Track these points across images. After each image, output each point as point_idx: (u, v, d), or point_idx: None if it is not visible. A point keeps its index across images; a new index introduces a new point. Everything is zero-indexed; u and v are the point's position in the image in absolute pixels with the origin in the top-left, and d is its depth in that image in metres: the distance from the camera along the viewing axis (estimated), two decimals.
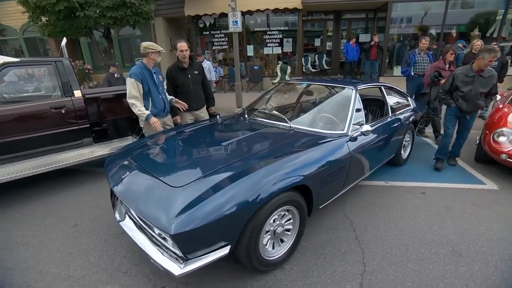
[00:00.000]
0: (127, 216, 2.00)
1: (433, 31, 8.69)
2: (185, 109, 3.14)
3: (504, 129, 3.18)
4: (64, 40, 3.86)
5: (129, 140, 3.82)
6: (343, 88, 2.78)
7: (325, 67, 10.10)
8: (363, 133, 2.39)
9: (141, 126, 3.01)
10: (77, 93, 3.23)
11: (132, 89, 2.71)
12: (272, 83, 8.93)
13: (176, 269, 1.43)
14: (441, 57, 4.30)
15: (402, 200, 2.81)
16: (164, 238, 1.60)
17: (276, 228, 1.82)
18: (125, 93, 3.71)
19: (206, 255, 1.49)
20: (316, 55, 10.00)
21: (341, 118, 2.49)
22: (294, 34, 8.94)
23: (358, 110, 2.53)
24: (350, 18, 9.75)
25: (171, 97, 3.13)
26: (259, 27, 9.15)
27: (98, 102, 3.54)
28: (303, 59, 9.36)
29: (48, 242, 2.32)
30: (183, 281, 1.85)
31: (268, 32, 9.06)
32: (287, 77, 8.79)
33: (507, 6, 8.12)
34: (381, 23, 9.23)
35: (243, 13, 8.03)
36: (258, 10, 8.29)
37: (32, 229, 2.51)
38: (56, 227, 2.52)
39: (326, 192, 2.14)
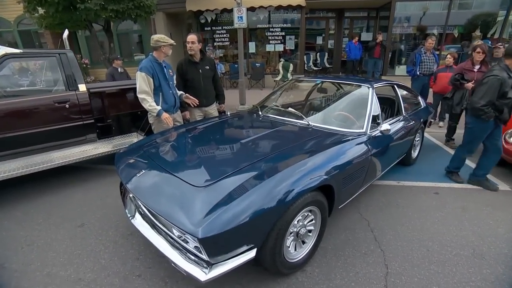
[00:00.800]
0: (137, 213, 1.92)
1: (435, 31, 8.69)
2: (195, 105, 3.04)
3: None
4: (66, 32, 3.72)
5: (133, 137, 3.71)
6: (360, 86, 2.72)
7: (327, 65, 10.06)
8: (382, 132, 2.34)
9: (151, 122, 2.90)
10: (82, 87, 3.11)
11: (143, 83, 2.61)
12: (274, 80, 8.86)
13: (201, 274, 1.36)
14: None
15: (416, 200, 2.77)
16: (184, 240, 1.52)
17: (299, 230, 1.76)
18: (131, 88, 3.66)
19: (232, 259, 1.41)
20: (318, 53, 9.95)
21: (358, 117, 2.43)
22: (297, 31, 8.86)
23: (375, 109, 2.48)
24: (352, 17, 9.72)
25: (181, 92, 3.04)
26: (261, 24, 9.05)
27: (103, 97, 3.42)
28: (305, 57, 9.29)
29: (54, 243, 2.22)
30: (201, 284, 1.77)
31: (271, 29, 8.97)
32: (289, 75, 8.72)
33: (508, 7, 8.17)
34: (383, 22, 9.21)
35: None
36: (261, 7, 8.19)
37: (36, 229, 2.40)
38: (61, 227, 2.41)
39: (346, 192, 2.09)
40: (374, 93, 2.55)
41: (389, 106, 3.50)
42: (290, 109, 2.60)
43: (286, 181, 1.55)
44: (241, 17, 5.72)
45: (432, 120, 4.11)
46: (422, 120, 3.42)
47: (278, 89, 3.35)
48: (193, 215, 1.34)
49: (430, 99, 5.13)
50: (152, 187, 1.66)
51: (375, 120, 2.40)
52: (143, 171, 1.80)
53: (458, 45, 8.98)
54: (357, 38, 8.24)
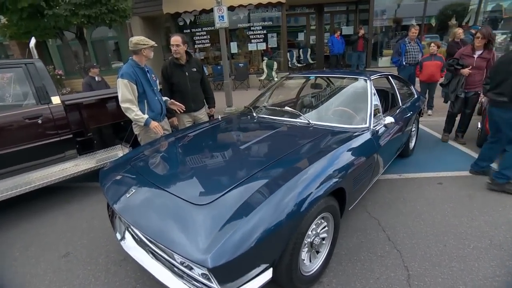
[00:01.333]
0: (129, 235, 1.70)
1: (413, 22, 8.83)
2: (181, 111, 2.82)
3: None
4: (33, 40, 3.39)
5: (118, 149, 3.43)
6: (356, 79, 2.61)
7: (310, 61, 10.03)
8: (386, 126, 2.23)
9: (136, 133, 2.65)
10: (55, 100, 2.81)
11: (126, 91, 2.36)
12: (259, 80, 8.71)
13: None
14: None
15: (422, 192, 2.69)
16: (188, 267, 1.32)
17: (313, 239, 1.60)
18: (111, 97, 3.38)
19: (246, 284, 1.23)
20: (301, 50, 9.90)
21: (359, 112, 2.31)
22: (278, 29, 8.76)
23: (375, 102, 2.37)
24: (332, 11, 9.73)
25: (166, 98, 2.81)
26: (241, 23, 8.87)
27: (81, 109, 3.13)
28: (288, 54, 9.20)
29: (34, 280, 1.94)
30: None
31: (252, 28, 8.81)
32: (273, 73, 8.60)
33: None
34: (362, 15, 9.28)
35: None
36: (240, 6, 8.02)
37: (12, 265, 2.11)
38: (42, 259, 2.13)
39: (356, 192, 1.96)
40: (372, 86, 2.45)
41: (385, 98, 3.43)
42: (286, 108, 2.45)
43: (297, 189, 1.39)
44: (222, 16, 5.53)
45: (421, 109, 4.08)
46: (417, 109, 3.37)
47: (269, 87, 3.19)
48: (198, 240, 1.15)
49: (417, 88, 5.15)
50: (144, 208, 1.45)
51: (375, 114, 2.28)
52: (133, 190, 1.59)
53: (436, 34, 9.23)
54: (339, 32, 8.24)
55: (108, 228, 2.42)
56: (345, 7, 9.63)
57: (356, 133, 2.05)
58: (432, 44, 5.20)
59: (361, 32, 7.86)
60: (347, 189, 1.72)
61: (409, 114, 2.95)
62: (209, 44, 9.30)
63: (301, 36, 10.06)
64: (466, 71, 3.35)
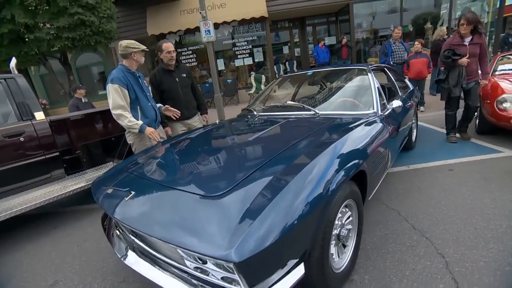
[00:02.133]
0: (130, 250, 1.47)
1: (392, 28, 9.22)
2: (177, 117, 2.67)
3: (505, 95, 3.17)
4: (14, 61, 3.24)
5: (110, 167, 3.21)
6: (356, 70, 2.56)
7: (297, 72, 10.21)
8: (394, 110, 2.15)
9: (130, 142, 2.46)
10: (39, 115, 2.62)
11: (117, 97, 2.20)
12: (249, 94, 8.72)
13: None
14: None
15: (435, 180, 2.58)
16: (204, 272, 1.12)
17: (340, 231, 1.43)
18: (100, 111, 3.21)
19: (278, 283, 1.03)
20: (287, 62, 10.09)
21: (364, 99, 2.23)
22: (263, 43, 8.93)
23: (378, 89, 2.30)
24: (313, 24, 10.08)
25: (159, 104, 2.66)
26: (226, 40, 9.01)
27: (68, 126, 2.93)
28: (275, 67, 9.33)
29: None
30: None
31: (237, 44, 8.94)
32: (262, 86, 8.64)
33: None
34: (343, 25, 9.65)
35: None
36: (224, 22, 8.17)
37: None
38: None
39: (375, 178, 1.82)
40: (373, 74, 2.39)
41: (385, 90, 3.40)
42: (289, 102, 2.34)
43: (321, 171, 1.24)
44: (209, 31, 5.56)
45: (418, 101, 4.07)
46: (415, 101, 3.35)
47: (265, 89, 3.11)
48: (217, 234, 0.97)
49: None
50: (148, 209, 1.26)
51: (382, 101, 2.21)
52: (132, 192, 1.39)
53: (415, 39, 9.65)
54: (323, 42, 8.46)
55: (103, 249, 2.17)
56: (325, 19, 10.01)
57: (366, 118, 1.95)
58: (416, 42, 5.37)
59: (344, 40, 8.10)
60: (368, 172, 1.59)
61: (410, 103, 2.91)
62: (196, 63, 9.35)
63: (286, 49, 10.29)
64: (465, 60, 3.09)
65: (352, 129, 1.69)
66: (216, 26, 8.30)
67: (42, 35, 4.89)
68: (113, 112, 2.22)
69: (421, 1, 9.48)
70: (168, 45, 2.68)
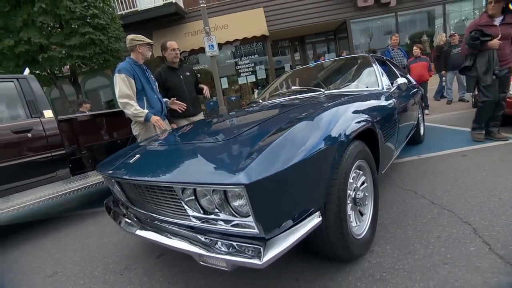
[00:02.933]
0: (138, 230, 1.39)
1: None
2: (183, 110, 2.68)
3: None
4: (27, 70, 3.38)
5: None
6: (358, 57, 2.60)
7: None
8: (400, 87, 2.14)
9: (136, 133, 2.46)
10: (48, 113, 2.65)
11: (123, 86, 2.24)
12: None
13: (255, 260, 0.87)
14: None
15: (449, 164, 2.48)
16: (211, 222, 1.04)
17: (355, 194, 1.35)
18: (107, 113, 3.25)
19: (292, 228, 0.95)
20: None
21: (370, 80, 2.22)
22: (265, 61, 9.23)
23: (381, 71, 2.31)
24: (313, 42, 10.46)
25: (165, 99, 2.69)
26: (229, 59, 9.35)
27: (75, 126, 2.96)
28: None
29: None
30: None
31: (239, 63, 9.26)
32: None
33: (444, 14, 9.31)
34: (342, 42, 10.00)
35: None
36: (227, 42, 8.52)
37: None
38: (24, 283, 1.74)
39: (386, 150, 1.76)
40: (375, 59, 2.42)
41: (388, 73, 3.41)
42: (294, 87, 2.34)
43: (334, 118, 1.21)
44: (212, 45, 5.79)
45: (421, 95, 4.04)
46: (419, 92, 3.34)
47: (269, 86, 3.14)
48: (228, 164, 0.92)
49: None
50: (153, 162, 1.23)
51: (385, 81, 2.21)
52: (138, 155, 1.35)
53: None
54: (323, 57, 8.71)
55: (107, 243, 2.09)
56: (324, 37, 10.40)
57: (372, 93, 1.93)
58: (415, 47, 5.50)
59: (344, 54, 8.33)
60: (378, 135, 1.53)
61: (413, 90, 2.90)
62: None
63: (287, 67, 10.59)
64: (496, 42, 2.63)
65: (360, 97, 1.67)
66: (219, 46, 8.68)
67: (55, 53, 5.14)
68: (120, 100, 2.25)
69: (415, 22, 9.86)
70: (172, 43, 2.77)
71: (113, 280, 1.59)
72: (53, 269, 1.85)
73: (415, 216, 1.68)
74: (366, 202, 1.47)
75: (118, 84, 2.24)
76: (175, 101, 2.64)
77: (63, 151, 2.74)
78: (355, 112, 1.39)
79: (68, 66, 5.72)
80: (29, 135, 2.50)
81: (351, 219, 1.31)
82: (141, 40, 2.37)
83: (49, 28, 5.36)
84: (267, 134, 1.04)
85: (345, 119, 1.27)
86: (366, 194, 1.45)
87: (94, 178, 2.91)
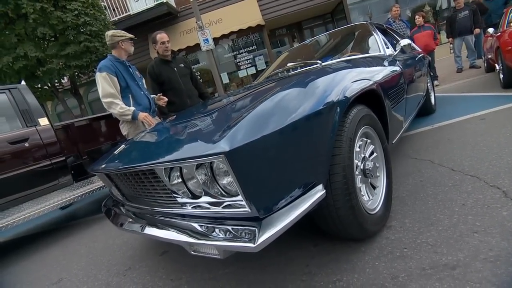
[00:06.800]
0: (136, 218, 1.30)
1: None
2: (165, 105, 2.55)
3: None
4: (23, 83, 3.35)
5: None
6: (356, 25, 2.42)
7: None
8: (403, 49, 1.96)
9: (125, 133, 2.36)
10: (43, 121, 2.61)
11: (106, 85, 2.13)
12: None
13: (248, 243, 0.75)
14: None
15: (466, 130, 2.29)
16: (217, 204, 0.92)
17: (364, 164, 1.21)
18: (105, 116, 3.19)
19: (291, 204, 0.83)
20: None
21: (370, 46, 2.05)
22: (264, 51, 9.03)
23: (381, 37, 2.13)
24: (310, 26, 10.16)
25: (153, 95, 2.59)
26: (227, 54, 9.20)
27: (73, 131, 2.91)
28: None
29: None
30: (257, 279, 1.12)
31: (238, 56, 9.10)
32: None
33: None
34: (340, 23, 9.66)
35: None
36: (223, 36, 8.37)
37: None
38: None
39: (394, 118, 1.60)
40: (374, 26, 2.24)
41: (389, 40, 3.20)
42: (289, 64, 2.19)
43: (332, 83, 1.08)
44: (207, 39, 5.67)
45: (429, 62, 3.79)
46: (425, 59, 3.12)
47: (266, 69, 3.00)
48: (209, 136, 0.80)
49: None
50: (141, 148, 1.13)
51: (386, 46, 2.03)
52: (126, 145, 1.26)
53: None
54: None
55: (112, 246, 2.02)
56: (322, 20, 10.09)
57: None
58: (417, 16, 5.20)
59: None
60: (383, 96, 1.38)
61: (419, 56, 2.69)
62: (201, 81, 9.53)
63: None
64: None
65: (361, 62, 1.51)
66: (215, 40, 8.54)
67: (53, 65, 5.14)
68: (104, 100, 2.15)
69: None
70: (162, 36, 2.67)
71: (116, 282, 1.52)
72: (58, 276, 1.81)
73: (434, 185, 1.52)
74: (378, 174, 1.32)
75: (100, 84, 2.15)
76: (161, 96, 2.51)
77: (63, 158, 2.70)
78: (355, 75, 1.24)
79: (67, 78, 5.71)
80: (26, 144, 2.46)
81: (362, 192, 1.18)
82: (123, 36, 2.27)
83: (45, 41, 5.35)
84: (254, 102, 0.92)
85: (344, 81, 1.12)
86: (377, 164, 1.31)
87: (98, 183, 2.87)
